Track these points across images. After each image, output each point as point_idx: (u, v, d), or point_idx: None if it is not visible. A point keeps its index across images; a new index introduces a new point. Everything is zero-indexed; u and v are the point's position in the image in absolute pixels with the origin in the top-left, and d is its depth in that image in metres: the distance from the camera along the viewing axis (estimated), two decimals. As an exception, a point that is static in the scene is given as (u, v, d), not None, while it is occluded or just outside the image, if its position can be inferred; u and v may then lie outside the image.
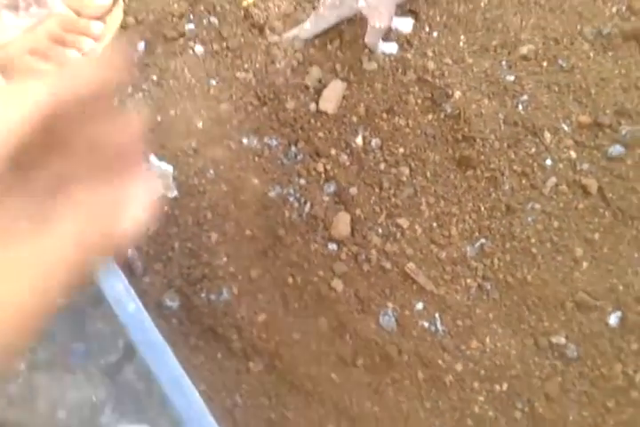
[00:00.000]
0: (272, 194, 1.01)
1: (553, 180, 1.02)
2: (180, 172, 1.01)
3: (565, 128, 1.05)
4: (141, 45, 1.10)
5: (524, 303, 0.97)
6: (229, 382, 0.92)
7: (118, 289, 0.70)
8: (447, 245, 1.00)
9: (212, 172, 1.02)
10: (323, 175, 1.03)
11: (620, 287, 0.97)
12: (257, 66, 1.09)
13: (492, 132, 1.04)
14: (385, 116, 1.05)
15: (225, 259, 0.97)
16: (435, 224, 1.01)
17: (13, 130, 0.28)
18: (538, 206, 1.01)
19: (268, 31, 1.11)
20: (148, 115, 1.05)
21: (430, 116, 1.06)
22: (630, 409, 0.91)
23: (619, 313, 0.96)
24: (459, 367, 0.94)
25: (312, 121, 1.05)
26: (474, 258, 0.99)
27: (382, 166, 1.03)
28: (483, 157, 1.02)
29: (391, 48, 1.08)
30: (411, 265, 0.98)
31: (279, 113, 1.05)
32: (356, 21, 1.10)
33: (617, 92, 1.06)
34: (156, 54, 1.10)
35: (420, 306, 0.97)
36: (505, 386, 0.93)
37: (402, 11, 1.11)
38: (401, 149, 1.04)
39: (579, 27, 1.11)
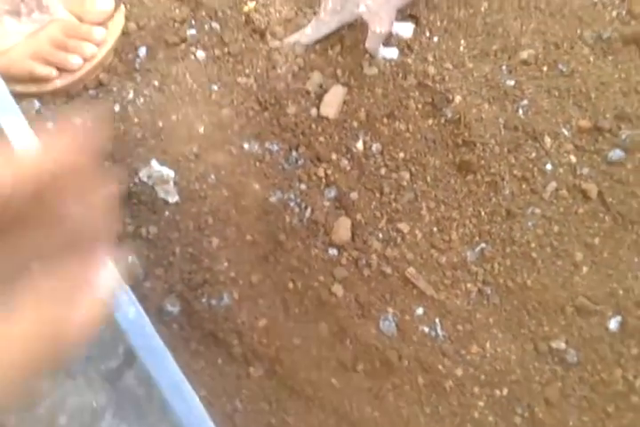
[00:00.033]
0: (273, 199, 1.01)
1: (553, 184, 1.02)
2: (182, 177, 1.02)
3: (565, 133, 1.05)
4: (143, 51, 1.10)
5: (524, 308, 0.97)
6: (230, 388, 0.92)
7: (119, 294, 0.70)
8: (447, 250, 1.00)
9: (213, 177, 1.02)
10: (323, 180, 1.03)
11: (620, 292, 0.97)
12: (258, 71, 1.09)
13: (493, 136, 1.04)
14: (385, 120, 1.06)
15: (226, 264, 0.98)
16: (435, 229, 1.01)
17: None
18: (538, 211, 1.01)
19: (269, 36, 1.11)
20: (149, 120, 1.05)
21: (431, 121, 1.06)
22: (630, 414, 0.91)
23: (619, 318, 0.96)
24: (459, 372, 0.94)
25: (313, 126, 1.05)
26: (474, 263, 0.99)
27: (383, 171, 1.03)
28: (483, 162, 1.02)
29: (392, 53, 1.09)
30: (411, 270, 0.98)
31: (280, 118, 1.06)
32: (357, 27, 1.10)
33: (617, 96, 1.06)
34: (157, 60, 1.10)
35: (420, 311, 0.97)
36: (505, 391, 0.93)
37: (402, 16, 1.11)
38: (401, 154, 1.04)
39: (579, 31, 1.11)
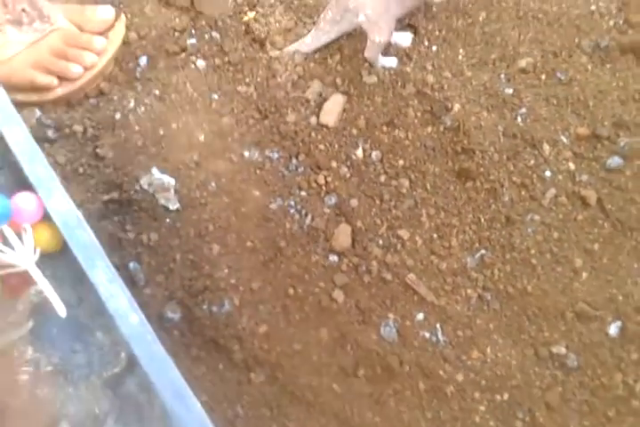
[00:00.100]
0: (273, 206, 1.02)
1: (552, 191, 1.03)
2: (182, 184, 1.02)
3: (564, 140, 1.05)
4: (144, 60, 1.11)
5: (525, 314, 0.97)
6: (231, 393, 0.92)
7: (120, 301, 0.70)
8: (447, 256, 1.00)
9: (213, 184, 1.02)
10: (323, 187, 1.03)
11: (620, 297, 0.97)
12: (258, 80, 1.10)
13: (492, 144, 1.04)
14: (385, 128, 1.06)
15: (226, 270, 0.98)
16: (435, 235, 1.01)
17: None
18: (537, 218, 1.01)
19: (268, 46, 1.12)
20: (150, 129, 1.06)
21: (430, 129, 1.06)
22: (631, 418, 0.91)
23: (618, 323, 0.96)
24: (460, 378, 0.94)
25: (313, 134, 1.06)
26: (474, 269, 1.00)
27: (382, 178, 1.04)
28: (482, 169, 1.03)
29: (391, 62, 1.10)
30: (411, 276, 0.98)
31: (280, 126, 1.06)
32: (356, 36, 1.11)
33: (615, 104, 1.07)
34: (158, 69, 1.11)
35: (420, 317, 0.97)
36: (506, 396, 0.93)
37: (401, 25, 1.12)
38: (401, 162, 1.04)
39: (577, 40, 1.12)
